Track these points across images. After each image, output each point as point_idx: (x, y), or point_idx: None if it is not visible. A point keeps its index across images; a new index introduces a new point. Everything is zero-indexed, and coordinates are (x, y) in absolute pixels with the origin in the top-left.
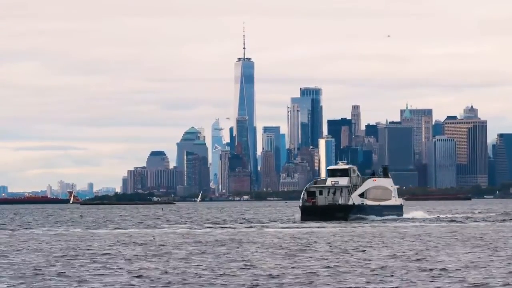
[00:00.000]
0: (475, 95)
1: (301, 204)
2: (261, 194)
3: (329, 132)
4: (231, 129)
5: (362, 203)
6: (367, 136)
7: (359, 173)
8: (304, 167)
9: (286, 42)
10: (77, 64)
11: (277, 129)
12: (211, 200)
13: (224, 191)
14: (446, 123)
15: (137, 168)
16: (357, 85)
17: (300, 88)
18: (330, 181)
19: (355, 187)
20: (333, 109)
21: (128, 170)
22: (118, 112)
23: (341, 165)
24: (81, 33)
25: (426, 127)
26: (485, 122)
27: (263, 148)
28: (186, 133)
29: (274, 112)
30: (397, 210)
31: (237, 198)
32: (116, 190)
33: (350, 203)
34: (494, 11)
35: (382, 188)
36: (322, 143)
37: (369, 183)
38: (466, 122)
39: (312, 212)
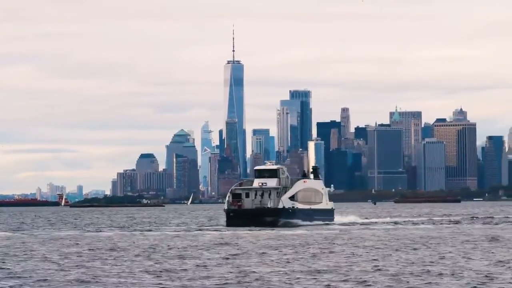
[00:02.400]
0: (465, 98)
1: (226, 208)
2: None
3: (318, 135)
4: (220, 132)
5: (293, 207)
6: (357, 139)
7: (288, 174)
8: (293, 170)
9: (276, 45)
10: (68, 68)
11: (266, 131)
12: (200, 203)
13: (213, 193)
14: (435, 126)
15: (126, 170)
16: (346, 88)
17: (290, 91)
18: (257, 183)
19: (285, 189)
20: (322, 111)
21: (117, 173)
22: (108, 115)
23: (269, 165)
24: (74, 36)
25: (415, 130)
26: (474, 124)
27: (252, 151)
28: (176, 135)
29: (263, 115)
30: (328, 214)
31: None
32: (106, 193)
33: (280, 206)
34: (485, 16)
35: (313, 190)
36: (311, 145)
37: (300, 185)
38: (456, 125)
39: (238, 216)
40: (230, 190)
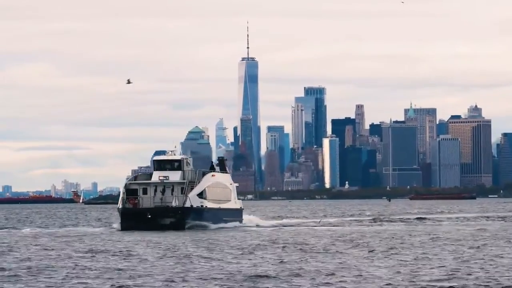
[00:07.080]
0: (480, 94)
1: (120, 206)
2: (265, 194)
3: (333, 132)
4: (235, 129)
5: (202, 206)
6: (371, 136)
7: (193, 167)
8: (308, 167)
9: (290, 42)
10: (82, 65)
11: (281, 128)
12: None
13: None
14: (450, 123)
15: (141, 167)
16: (361, 85)
17: (304, 88)
18: (157, 176)
19: (191, 184)
20: (337, 108)
21: (132, 170)
22: (122, 112)
23: (171, 155)
24: (87, 34)
25: (430, 127)
26: (489, 121)
27: (267, 148)
28: (190, 132)
29: (278, 112)
30: (237, 215)
31: (241, 198)
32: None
33: (188, 205)
34: (501, 13)
35: (222, 186)
36: (326, 142)
37: (208, 179)
38: (470, 122)
39: (134, 217)
40: (124, 185)
